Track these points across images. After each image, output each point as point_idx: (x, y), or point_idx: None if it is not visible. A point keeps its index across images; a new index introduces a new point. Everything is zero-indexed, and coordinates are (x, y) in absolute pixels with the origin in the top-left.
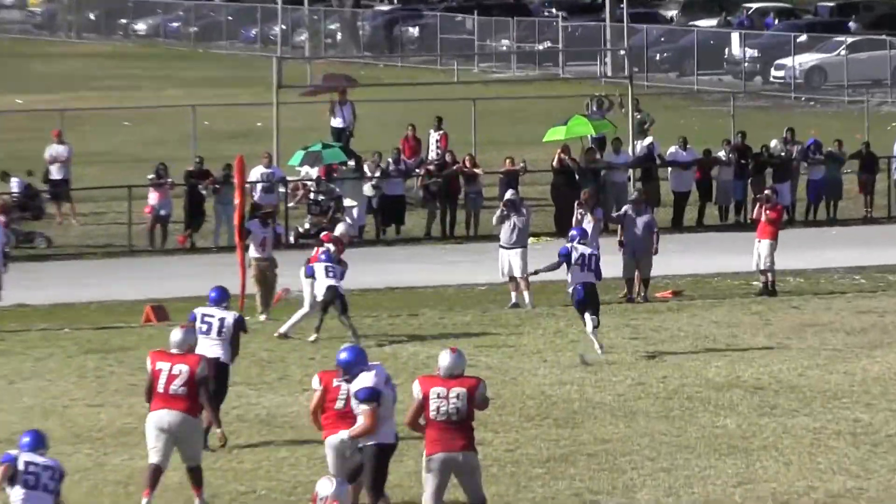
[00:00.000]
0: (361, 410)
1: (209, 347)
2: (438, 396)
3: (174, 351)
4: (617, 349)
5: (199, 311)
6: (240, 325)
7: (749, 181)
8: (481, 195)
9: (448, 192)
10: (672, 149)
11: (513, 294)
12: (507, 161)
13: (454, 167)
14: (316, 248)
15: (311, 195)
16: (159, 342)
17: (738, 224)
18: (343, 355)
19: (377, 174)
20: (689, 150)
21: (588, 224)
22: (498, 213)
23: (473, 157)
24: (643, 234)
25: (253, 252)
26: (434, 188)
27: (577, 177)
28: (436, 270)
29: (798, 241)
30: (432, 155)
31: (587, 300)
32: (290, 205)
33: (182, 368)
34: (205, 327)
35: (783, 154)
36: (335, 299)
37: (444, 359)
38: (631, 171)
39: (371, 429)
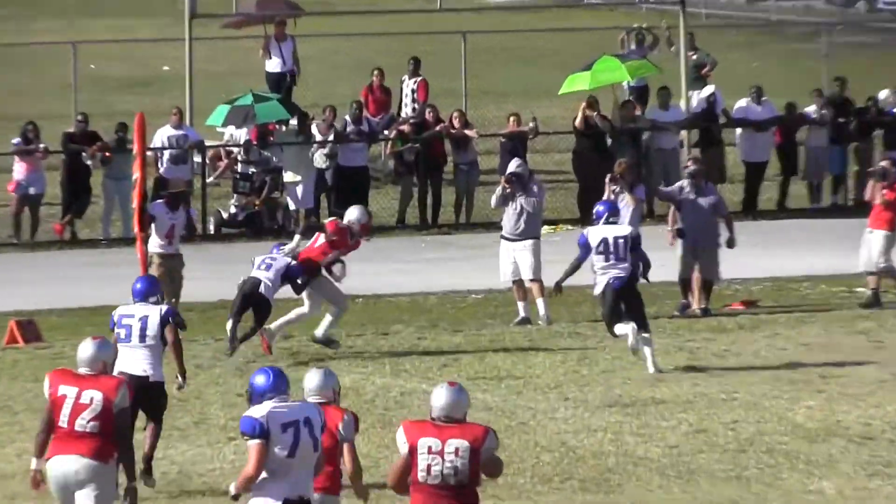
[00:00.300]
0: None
1: (130, 360)
2: (430, 451)
3: (83, 371)
4: (668, 382)
5: (117, 311)
6: (167, 320)
7: (851, 148)
8: (476, 167)
9: (429, 163)
10: (741, 102)
11: (520, 305)
12: (512, 120)
13: (437, 128)
14: (315, 238)
15: (239, 167)
16: (27, 370)
17: (836, 208)
18: (258, 379)
19: (330, 138)
20: (765, 105)
21: (625, 206)
22: (498, 191)
23: (464, 114)
24: (706, 219)
25: (156, 245)
26: (410, 157)
27: (608, 141)
28: (412, 272)
29: None
30: (407, 111)
31: (618, 301)
32: (210, 180)
33: (94, 396)
34: (123, 332)
35: None
36: (252, 296)
37: (440, 396)
38: (685, 133)
39: (250, 474)
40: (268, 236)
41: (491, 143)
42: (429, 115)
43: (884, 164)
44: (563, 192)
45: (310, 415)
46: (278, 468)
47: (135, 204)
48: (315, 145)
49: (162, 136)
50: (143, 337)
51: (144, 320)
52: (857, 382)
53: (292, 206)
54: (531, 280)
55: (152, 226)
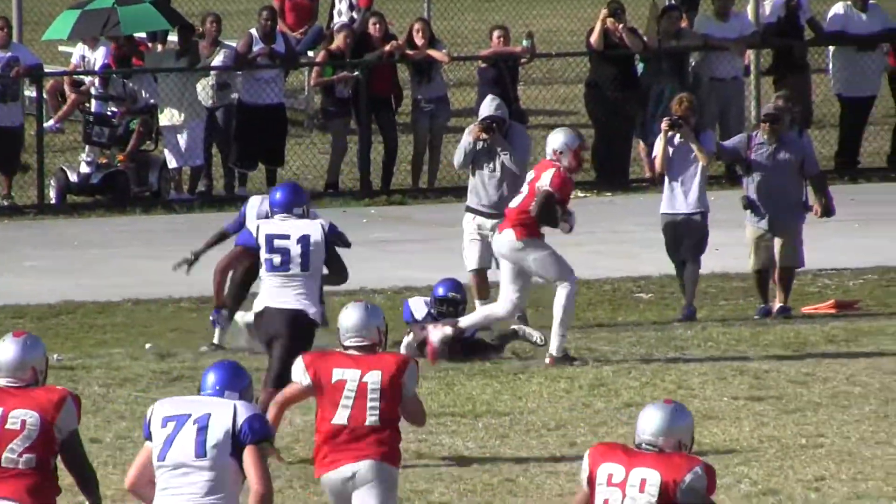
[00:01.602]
0: None
1: (283, 293)
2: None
3: (4, 383)
4: (721, 420)
5: (261, 227)
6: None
7: None
8: (446, 106)
9: (375, 101)
10: (838, 8)
11: (478, 305)
12: (497, 36)
13: (388, 48)
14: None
15: (93, 105)
16: None
17: None
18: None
19: (224, 59)
20: (872, 11)
21: (690, 164)
22: (467, 141)
23: (428, 25)
24: (789, 183)
25: None
26: (347, 92)
27: (638, 67)
28: (349, 258)
29: None
30: (341, 20)
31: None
32: (50, 125)
33: (25, 417)
34: (278, 259)
35: None
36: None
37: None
38: (752, 54)
39: (126, 486)
40: (136, 207)
41: (466, 69)
42: (374, 29)
43: None
44: None
45: (211, 411)
46: (159, 480)
47: None
48: (204, 73)
49: None
50: (305, 264)
51: (305, 241)
52: None
53: (172, 163)
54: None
55: None
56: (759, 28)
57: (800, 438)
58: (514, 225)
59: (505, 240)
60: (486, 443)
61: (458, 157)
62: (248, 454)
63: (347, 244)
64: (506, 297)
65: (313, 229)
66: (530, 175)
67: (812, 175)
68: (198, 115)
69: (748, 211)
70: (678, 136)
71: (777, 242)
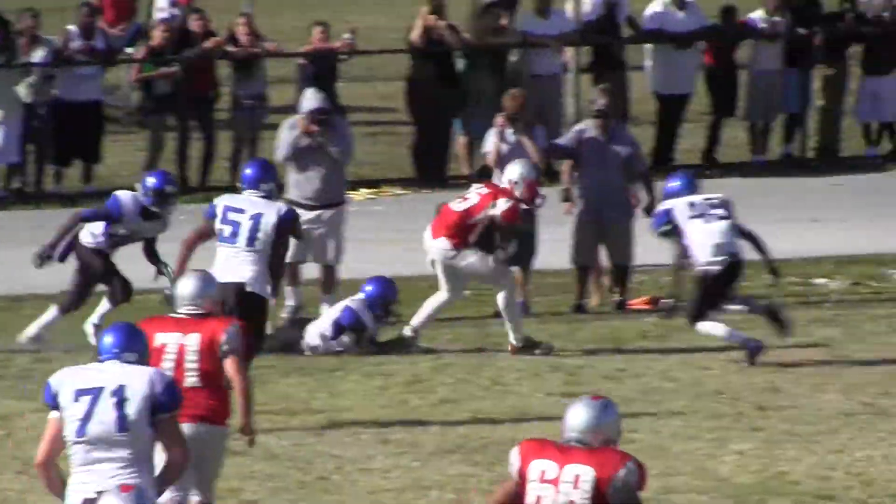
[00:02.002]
0: None
1: (231, 265)
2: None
3: None
4: (534, 415)
5: (221, 200)
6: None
7: (815, 73)
8: (265, 101)
9: (195, 97)
10: (656, 6)
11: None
12: (318, 31)
13: (208, 43)
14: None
15: None
16: None
17: (791, 161)
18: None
19: (43, 57)
20: (690, 9)
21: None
22: (289, 134)
23: (250, 20)
24: (617, 178)
25: None
26: (164, 88)
27: (459, 64)
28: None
29: None
30: (161, 16)
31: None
32: None
33: None
34: (228, 230)
35: None
36: None
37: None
38: (571, 51)
39: (37, 460)
40: None
41: (284, 66)
42: (195, 25)
43: None
44: (392, 140)
45: (125, 382)
46: (74, 454)
47: None
48: (20, 72)
49: None
50: (251, 240)
51: (256, 219)
52: (809, 417)
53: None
54: (326, 266)
55: None
56: (579, 25)
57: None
58: (448, 234)
59: (438, 247)
60: (301, 441)
61: (282, 151)
62: (165, 423)
63: (299, 236)
64: (444, 289)
65: (269, 210)
66: (483, 190)
67: (640, 171)
68: (14, 111)
69: (572, 204)
70: (511, 131)
71: (607, 238)
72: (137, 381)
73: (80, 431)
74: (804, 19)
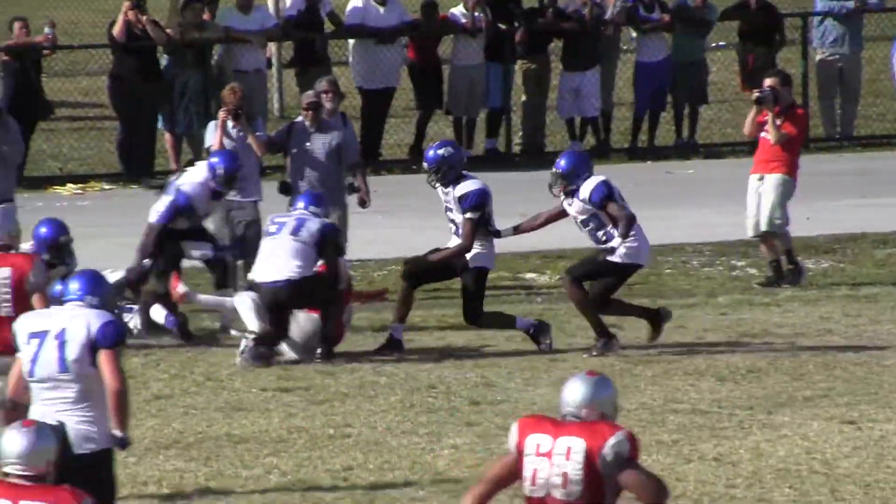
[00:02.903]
0: None
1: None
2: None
3: None
4: (251, 411)
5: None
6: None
7: (517, 68)
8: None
9: None
10: (357, 1)
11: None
12: (18, 27)
13: None
14: None
15: None
16: None
17: (496, 156)
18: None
19: None
20: (391, 4)
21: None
22: None
23: None
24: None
25: None
26: None
27: (162, 60)
28: None
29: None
30: None
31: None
32: None
33: None
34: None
35: None
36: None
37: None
38: (273, 47)
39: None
40: None
41: None
42: None
43: (769, 82)
44: (96, 135)
45: (67, 325)
46: (32, 393)
47: None
48: None
49: None
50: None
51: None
52: (523, 411)
53: None
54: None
55: None
56: (280, 21)
57: (328, 429)
58: None
59: None
60: None
61: None
62: (103, 357)
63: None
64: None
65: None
66: None
67: (351, 162)
68: None
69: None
70: (232, 125)
71: None
72: (78, 323)
73: (31, 372)
74: (505, 14)
